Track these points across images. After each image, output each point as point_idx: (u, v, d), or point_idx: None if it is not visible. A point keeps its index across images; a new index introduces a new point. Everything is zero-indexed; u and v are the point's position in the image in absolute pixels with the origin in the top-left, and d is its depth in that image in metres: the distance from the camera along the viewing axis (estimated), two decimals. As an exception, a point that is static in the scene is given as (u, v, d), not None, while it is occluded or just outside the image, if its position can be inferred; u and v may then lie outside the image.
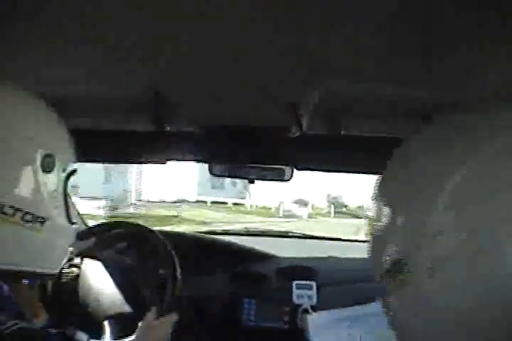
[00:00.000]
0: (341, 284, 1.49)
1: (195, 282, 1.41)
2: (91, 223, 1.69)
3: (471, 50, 0.65)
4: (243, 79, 0.81)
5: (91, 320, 1.09)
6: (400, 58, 0.70)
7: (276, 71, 0.77)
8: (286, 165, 1.14)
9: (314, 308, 1.40)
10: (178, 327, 1.02)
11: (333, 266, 1.62)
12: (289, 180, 1.15)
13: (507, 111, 0.47)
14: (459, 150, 0.46)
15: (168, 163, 1.20)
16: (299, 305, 1.43)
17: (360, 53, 0.69)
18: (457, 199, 0.44)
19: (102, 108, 0.99)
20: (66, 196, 0.75)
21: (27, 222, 0.66)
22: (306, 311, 1.39)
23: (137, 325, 1.00)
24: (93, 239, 1.23)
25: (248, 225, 6.86)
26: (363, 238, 1.62)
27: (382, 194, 0.54)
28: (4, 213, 0.64)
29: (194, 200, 16.70)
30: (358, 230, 6.85)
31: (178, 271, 1.14)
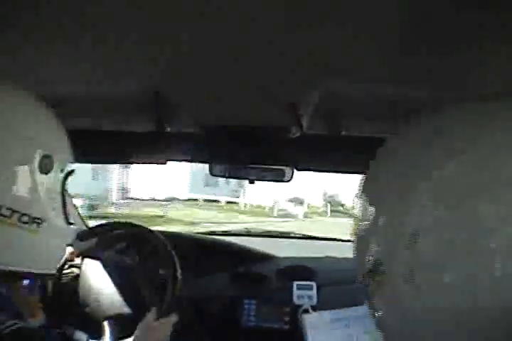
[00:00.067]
0: (341, 284, 1.48)
1: (196, 282, 1.41)
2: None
3: (471, 49, 0.65)
4: (243, 79, 0.80)
5: (91, 320, 1.09)
6: (399, 58, 0.70)
7: (277, 71, 0.77)
8: (287, 165, 1.13)
9: (314, 308, 1.39)
10: (178, 327, 1.02)
11: (332, 266, 1.61)
12: (289, 180, 1.14)
13: (483, 112, 0.46)
14: (436, 150, 0.46)
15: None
16: (300, 306, 1.42)
17: (360, 53, 0.69)
18: (434, 200, 0.44)
19: (101, 108, 0.99)
20: (64, 197, 0.75)
21: (24, 223, 0.66)
22: (306, 311, 1.38)
23: (137, 325, 1.00)
24: (94, 240, 1.23)
25: (239, 226, 6.69)
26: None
27: (365, 193, 0.54)
28: (2, 215, 0.63)
29: (186, 198, 16.42)
30: (356, 230, 6.76)
31: (179, 271, 1.14)
